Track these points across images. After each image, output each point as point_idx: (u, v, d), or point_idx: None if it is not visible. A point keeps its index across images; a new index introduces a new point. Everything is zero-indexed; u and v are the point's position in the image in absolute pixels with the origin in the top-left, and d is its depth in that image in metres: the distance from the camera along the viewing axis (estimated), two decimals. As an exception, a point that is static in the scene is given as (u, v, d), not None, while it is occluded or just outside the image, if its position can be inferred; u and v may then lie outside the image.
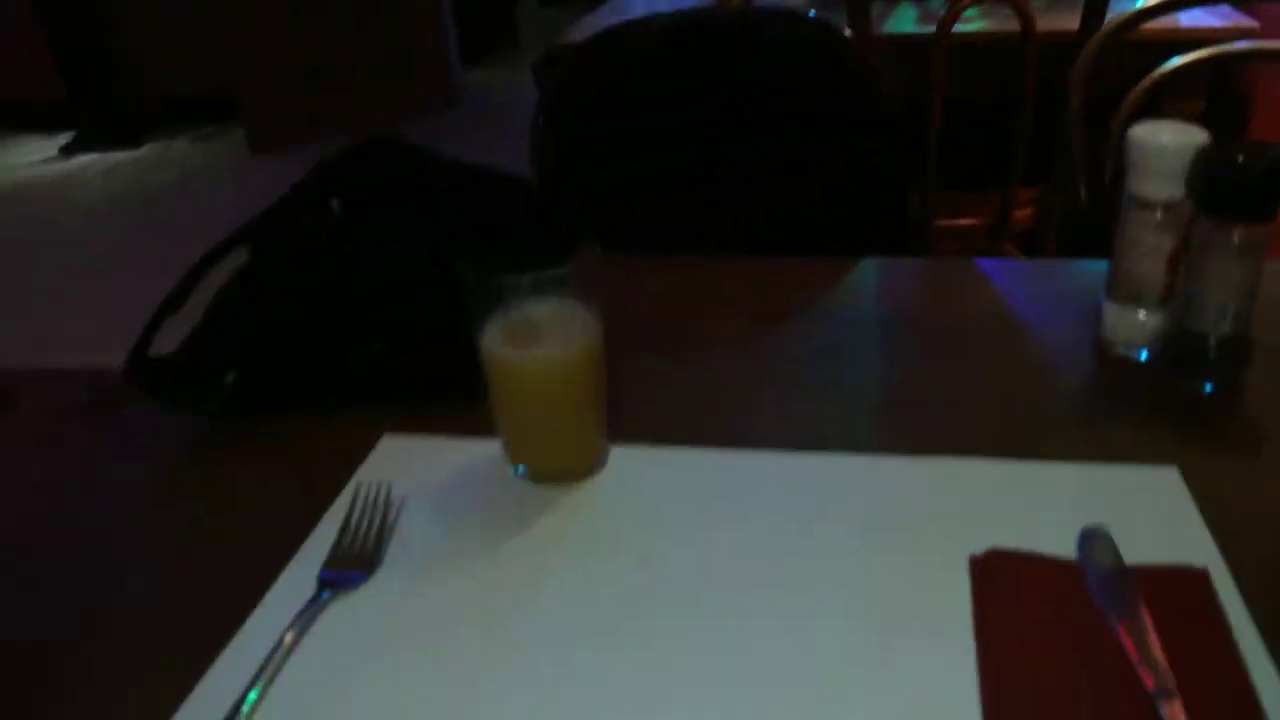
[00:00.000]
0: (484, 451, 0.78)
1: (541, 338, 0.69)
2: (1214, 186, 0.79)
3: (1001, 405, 0.82)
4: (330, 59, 3.82)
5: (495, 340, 0.69)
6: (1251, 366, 0.83)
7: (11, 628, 0.65)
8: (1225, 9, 2.31)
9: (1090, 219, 1.58)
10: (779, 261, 1.08)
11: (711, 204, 1.24)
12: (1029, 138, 2.25)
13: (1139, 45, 1.63)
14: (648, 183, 0.90)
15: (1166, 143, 0.81)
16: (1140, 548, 0.65)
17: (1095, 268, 1.00)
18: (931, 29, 2.11)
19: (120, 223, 3.21)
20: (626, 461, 0.76)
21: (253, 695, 0.57)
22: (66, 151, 3.99)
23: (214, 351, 0.82)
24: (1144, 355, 0.87)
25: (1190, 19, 2.26)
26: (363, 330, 0.84)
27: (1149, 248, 0.84)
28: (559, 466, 0.73)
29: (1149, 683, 0.55)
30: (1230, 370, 0.83)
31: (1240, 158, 0.76)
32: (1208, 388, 0.83)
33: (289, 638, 0.61)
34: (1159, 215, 0.83)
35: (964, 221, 2.25)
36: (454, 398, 0.83)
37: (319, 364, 0.84)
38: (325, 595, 0.64)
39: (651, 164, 1.18)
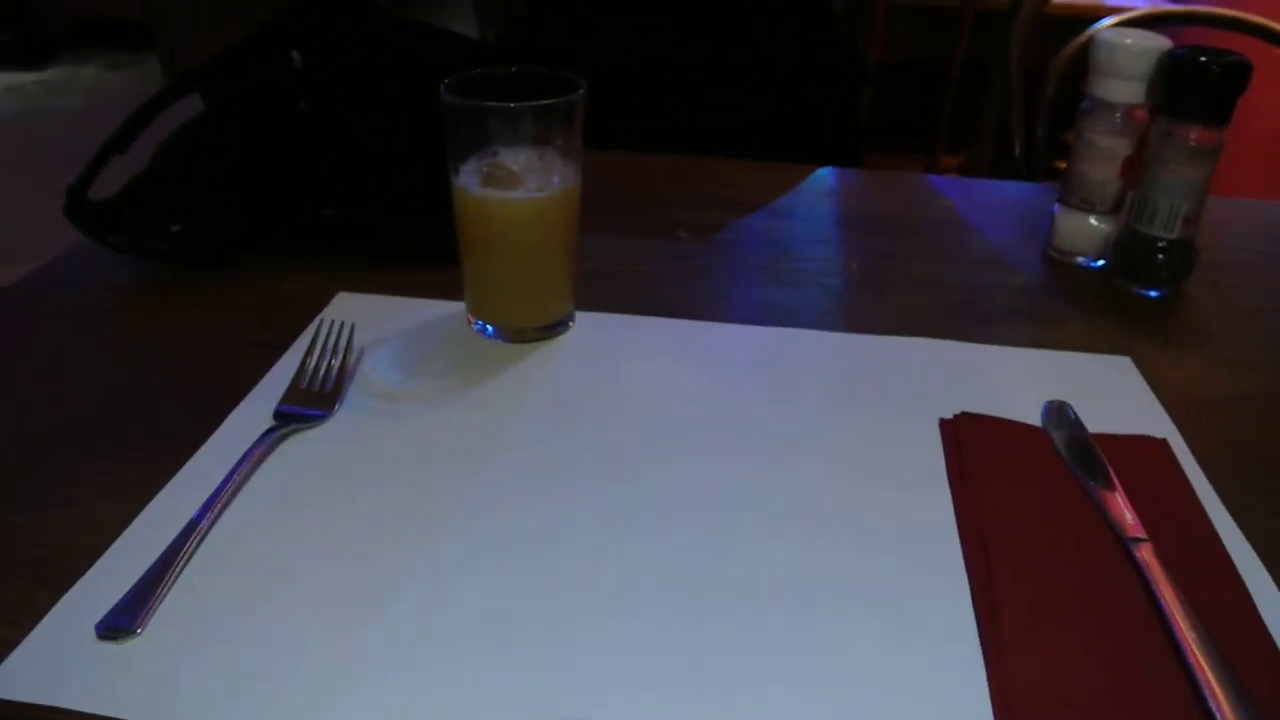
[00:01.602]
0: (443, 310, 0.76)
1: (520, 181, 0.67)
2: (1173, 86, 0.80)
3: (955, 298, 0.83)
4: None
5: (471, 181, 0.67)
6: (1194, 275, 0.85)
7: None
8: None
9: (1025, 175, 1.60)
10: (743, 163, 1.08)
11: (682, 106, 1.23)
12: (953, 105, 2.29)
13: (1063, 20, 1.68)
14: (626, 79, 0.88)
15: (1131, 44, 0.82)
16: (1100, 423, 0.66)
17: (1045, 190, 1.02)
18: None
19: (18, 144, 3.07)
20: (593, 326, 0.75)
21: (201, 521, 0.54)
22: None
23: (159, 200, 0.78)
24: (1096, 264, 0.89)
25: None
26: (316, 191, 0.81)
27: (1105, 151, 0.86)
28: (525, 324, 0.71)
29: (1124, 530, 0.56)
30: (1177, 276, 0.85)
31: (1201, 59, 0.78)
32: (1155, 294, 0.85)
33: (242, 469, 0.58)
34: (1117, 118, 0.84)
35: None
36: (412, 260, 0.81)
37: (269, 222, 0.81)
38: (281, 429, 0.61)
39: (631, 59, 1.16)
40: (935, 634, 0.49)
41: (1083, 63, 1.55)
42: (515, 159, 0.67)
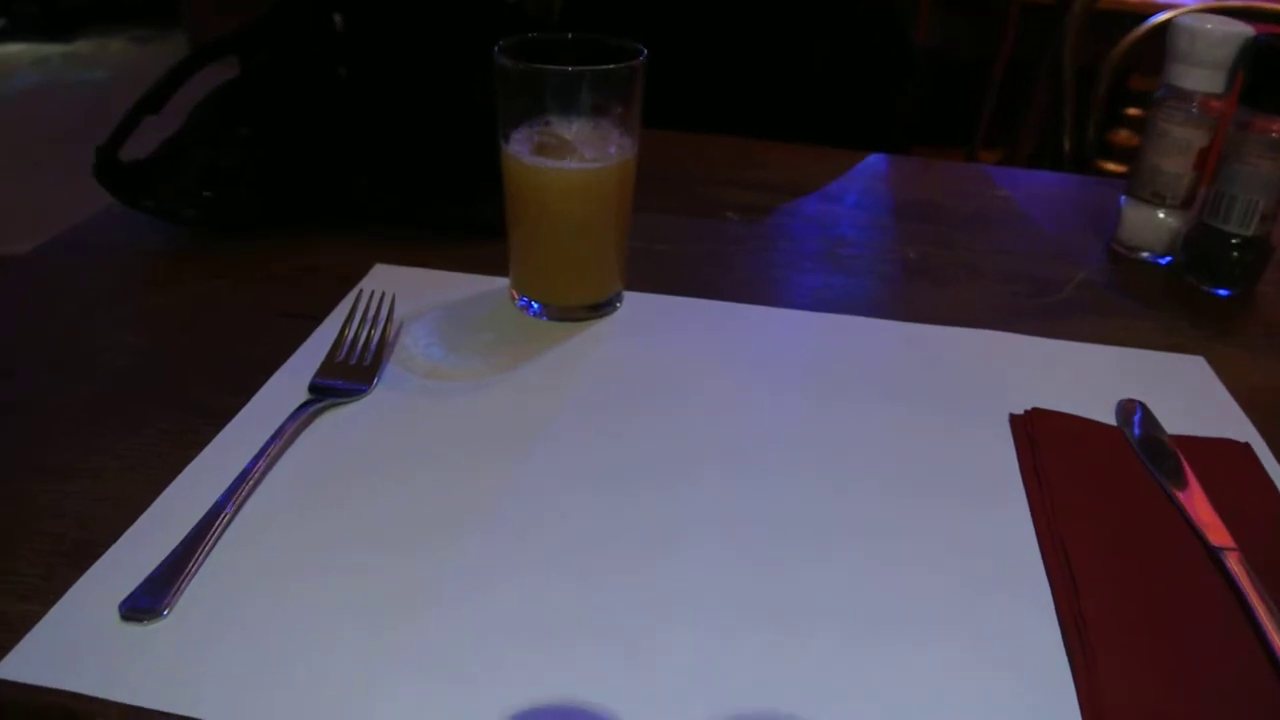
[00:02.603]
0: (486, 286, 0.73)
1: (574, 151, 0.63)
2: (1256, 75, 0.77)
3: (1016, 291, 0.79)
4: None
5: (523, 149, 0.63)
6: (1267, 274, 0.81)
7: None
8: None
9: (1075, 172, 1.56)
10: (792, 146, 1.04)
11: (727, 86, 1.20)
12: (995, 100, 2.25)
13: (1112, 15, 1.63)
14: (670, 56, 0.84)
15: (1212, 29, 0.78)
16: (1176, 425, 0.62)
17: (1103, 183, 0.99)
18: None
19: (47, 115, 3.05)
20: (642, 306, 0.71)
21: (230, 499, 0.51)
22: (-5, 37, 3.78)
23: (192, 164, 0.75)
24: (1164, 260, 0.85)
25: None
26: (353, 160, 0.78)
27: (1179, 142, 0.82)
28: (572, 302, 0.68)
29: (1210, 538, 0.52)
30: (1251, 275, 0.81)
31: (1291, 48, 0.74)
32: (1225, 292, 0.81)
33: (275, 445, 0.54)
34: (1194, 108, 0.81)
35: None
36: (453, 234, 0.78)
37: (304, 191, 0.78)
38: (317, 404, 0.58)
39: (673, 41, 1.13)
40: (1017, 642, 0.46)
41: (1134, 59, 1.51)
42: (569, 128, 0.63)
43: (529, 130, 0.64)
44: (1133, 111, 2.20)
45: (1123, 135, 2.21)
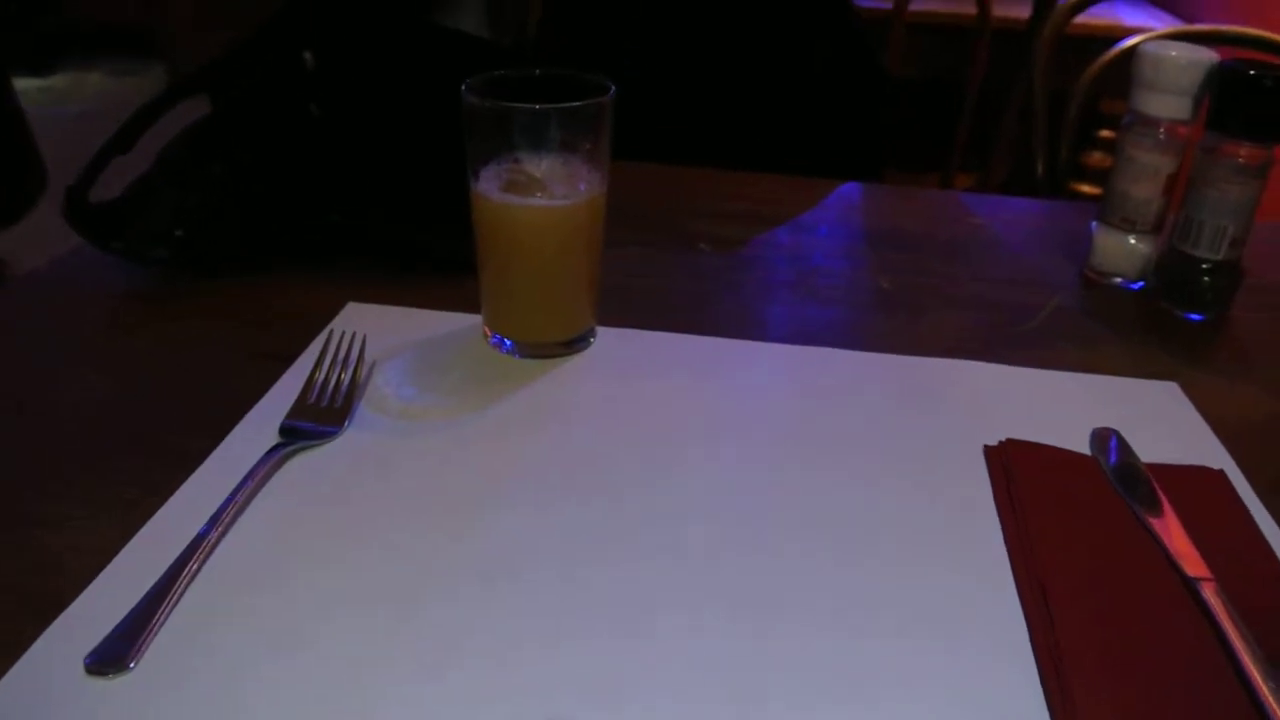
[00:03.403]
0: (458, 323, 0.72)
1: (543, 187, 0.63)
2: (1222, 101, 0.77)
3: (990, 319, 0.79)
4: (258, -5, 3.67)
5: (491, 187, 0.63)
6: (1240, 298, 0.82)
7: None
8: (1167, 16, 2.36)
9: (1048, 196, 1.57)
10: (764, 176, 1.04)
11: (699, 116, 1.20)
12: (969, 125, 2.27)
13: (1082, 40, 1.65)
14: (640, 88, 0.85)
15: (1177, 56, 0.79)
16: (1151, 452, 0.62)
17: (1076, 208, 0.99)
18: (885, 5, 2.10)
19: (22, 150, 3.04)
20: (614, 341, 0.71)
21: (200, 545, 0.50)
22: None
23: (162, 204, 0.74)
24: (1136, 285, 0.85)
25: (1135, 19, 2.30)
26: (325, 197, 0.77)
27: (1147, 168, 0.82)
28: (545, 339, 0.68)
29: (1186, 568, 0.52)
30: (1223, 300, 0.82)
31: (1252, 72, 0.75)
32: (1197, 317, 0.81)
33: (245, 490, 0.54)
34: (1161, 134, 0.81)
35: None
36: (426, 271, 0.77)
37: (276, 229, 0.77)
38: (287, 447, 0.57)
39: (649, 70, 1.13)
40: (990, 671, 0.46)
41: (1104, 83, 1.53)
42: (538, 165, 0.63)
43: (498, 167, 0.64)
44: (1105, 134, 2.22)
45: (1095, 157, 2.23)
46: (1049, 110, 1.57)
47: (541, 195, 0.63)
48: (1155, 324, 0.81)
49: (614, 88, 0.62)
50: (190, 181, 0.76)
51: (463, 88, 0.61)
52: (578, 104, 0.61)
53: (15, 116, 2.44)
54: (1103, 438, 0.64)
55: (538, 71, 0.64)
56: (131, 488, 0.55)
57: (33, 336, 0.70)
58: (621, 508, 0.55)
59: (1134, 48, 0.88)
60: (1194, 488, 0.59)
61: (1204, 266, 0.80)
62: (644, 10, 1.20)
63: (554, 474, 0.57)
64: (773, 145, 1.20)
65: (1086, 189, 2.19)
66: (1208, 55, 0.79)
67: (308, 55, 0.77)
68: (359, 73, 0.78)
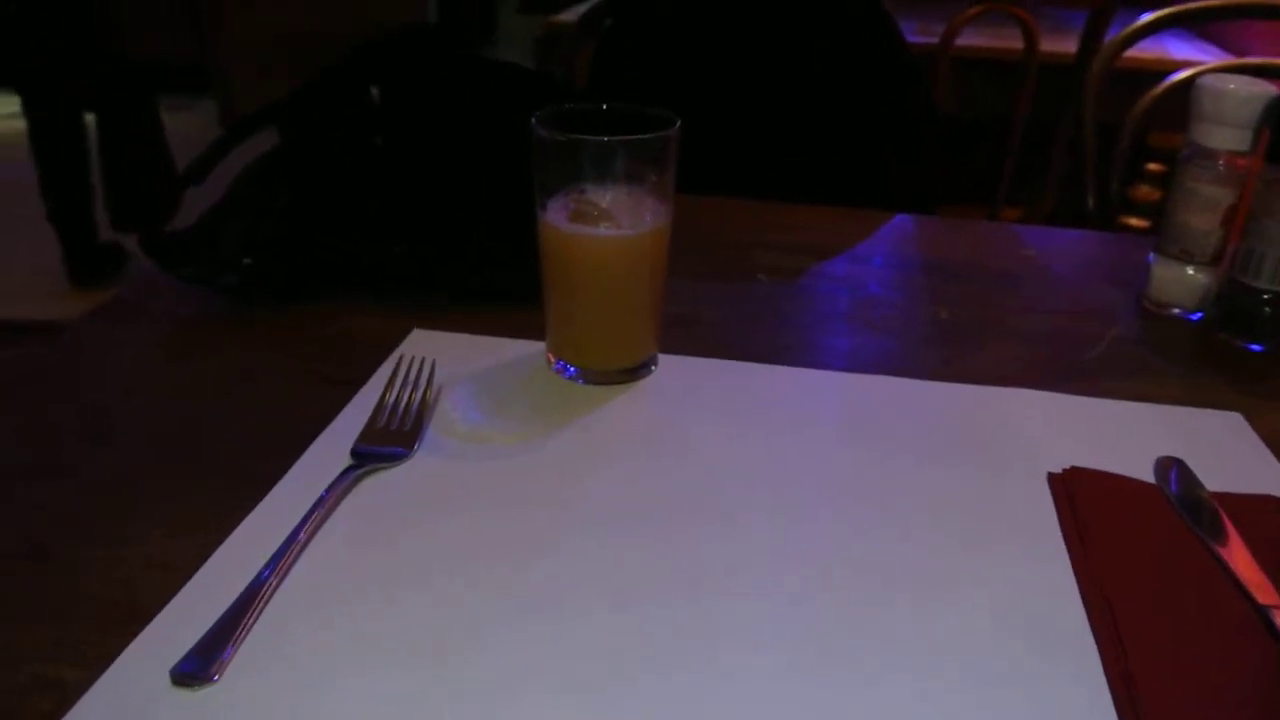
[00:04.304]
0: (523, 350, 0.73)
1: (610, 218, 0.64)
2: (1284, 134, 0.77)
3: (1048, 350, 0.79)
4: (309, 31, 3.75)
5: (559, 217, 0.64)
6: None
7: (23, 517, 0.57)
8: (1215, 49, 2.35)
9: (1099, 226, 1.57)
10: (819, 208, 1.05)
11: (752, 151, 1.21)
12: (1016, 160, 2.26)
13: (1130, 74, 1.65)
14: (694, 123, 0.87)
15: (1235, 89, 0.79)
16: (1216, 482, 0.62)
17: (1129, 240, 0.99)
18: (931, 40, 2.11)
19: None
20: (676, 369, 0.72)
21: (278, 563, 0.51)
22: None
23: (232, 233, 0.76)
24: (1195, 316, 0.85)
25: (1182, 52, 2.29)
26: (389, 228, 0.79)
27: (1206, 200, 0.82)
28: (608, 366, 0.69)
29: (1257, 596, 0.52)
30: (1283, 330, 0.81)
31: (1316, 105, 0.75)
32: (1258, 348, 0.81)
33: (320, 510, 0.55)
34: (1220, 166, 0.81)
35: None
36: (489, 301, 0.79)
37: (342, 258, 0.79)
38: (359, 469, 0.58)
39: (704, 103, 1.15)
40: (1065, 703, 0.46)
41: (1152, 116, 1.53)
42: (603, 196, 0.65)
43: (565, 198, 0.65)
44: (1153, 167, 2.21)
45: (1143, 190, 2.21)
46: (1097, 144, 1.57)
47: (608, 225, 0.64)
48: (1215, 355, 0.80)
49: (679, 121, 0.63)
50: (259, 211, 0.78)
51: (532, 120, 0.63)
52: (645, 136, 0.62)
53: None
54: (1166, 466, 0.64)
55: (604, 105, 0.65)
56: (208, 507, 0.56)
57: (109, 362, 0.72)
58: (686, 538, 0.55)
59: (1192, 79, 0.88)
60: (1260, 516, 0.59)
61: (1265, 297, 0.80)
62: (698, 46, 1.22)
63: (618, 502, 0.58)
64: (824, 179, 1.21)
65: (1135, 222, 2.18)
66: (1266, 88, 0.79)
67: (373, 89, 0.78)
68: (422, 106, 0.80)
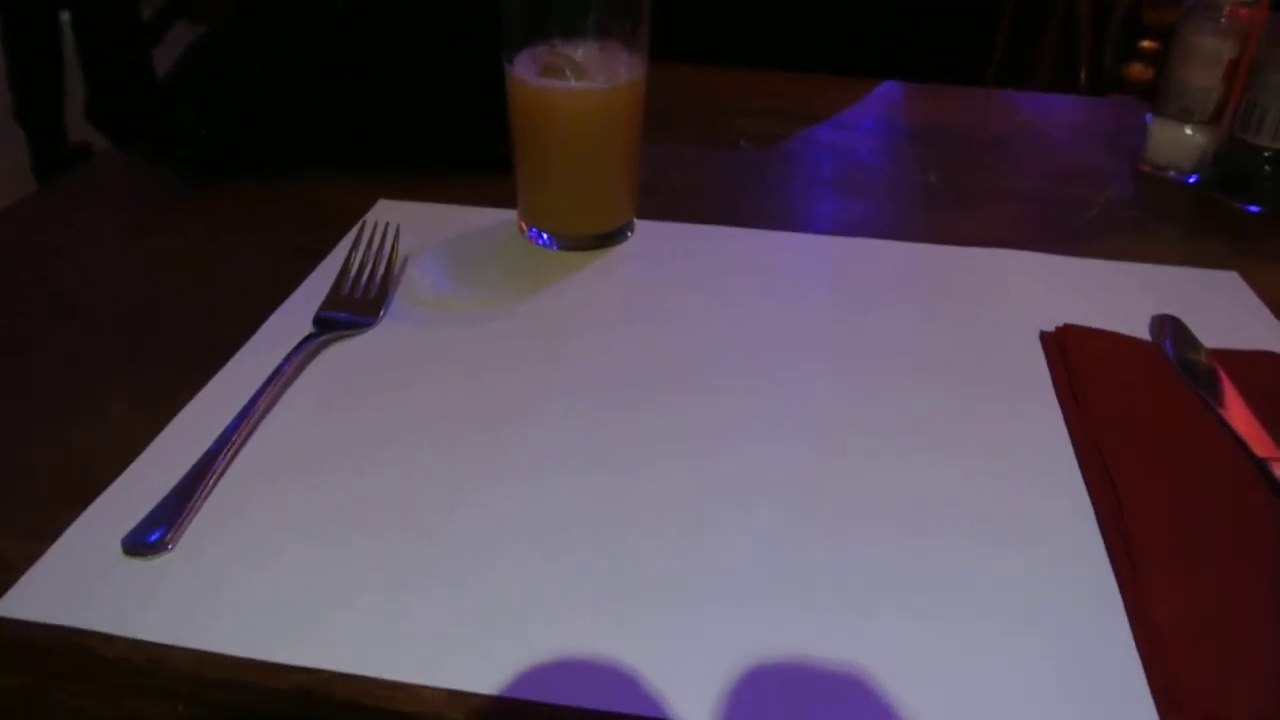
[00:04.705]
0: (494, 218, 0.70)
1: (583, 71, 0.61)
2: (1292, -20, 0.73)
3: (1041, 212, 0.77)
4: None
5: (528, 71, 0.61)
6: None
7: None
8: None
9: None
10: (802, 77, 1.01)
11: (736, 15, 1.16)
12: (1007, 37, 2.20)
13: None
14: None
15: (1243, -67, 0.75)
16: (1213, 339, 0.60)
17: (1126, 105, 0.96)
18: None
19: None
20: (655, 234, 0.69)
21: (236, 430, 0.49)
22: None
23: (186, 104, 0.72)
24: (1192, 179, 0.82)
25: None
26: (352, 95, 0.75)
27: (1208, 54, 0.79)
28: (583, 231, 0.66)
29: (1255, 448, 0.50)
30: (1283, 190, 0.78)
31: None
32: (1256, 209, 0.78)
33: (281, 377, 0.52)
34: (1223, 17, 0.77)
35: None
36: (458, 170, 0.75)
37: (304, 127, 0.75)
38: (322, 337, 0.56)
39: None
40: (1060, 557, 0.44)
41: (1131, 16, 1.47)
42: (575, 49, 0.61)
43: (534, 52, 0.61)
44: (1148, 44, 2.15)
45: (1137, 69, 2.16)
46: (1092, 17, 1.52)
47: (580, 79, 0.61)
48: (1212, 217, 0.78)
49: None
50: (213, 80, 0.74)
51: None
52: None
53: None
54: (1162, 325, 0.61)
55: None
56: (167, 380, 0.53)
57: (68, 237, 0.69)
58: (668, 401, 0.53)
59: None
60: (1258, 371, 0.57)
61: (1265, 154, 0.77)
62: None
63: (596, 366, 0.55)
64: (812, 48, 1.16)
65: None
66: (1274, -70, 0.75)
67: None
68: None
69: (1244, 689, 0.37)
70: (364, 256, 0.62)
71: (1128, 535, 0.44)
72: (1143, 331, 0.61)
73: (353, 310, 0.58)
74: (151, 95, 0.72)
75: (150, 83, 0.72)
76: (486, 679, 0.37)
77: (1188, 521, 0.46)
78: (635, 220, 0.69)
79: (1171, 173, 0.83)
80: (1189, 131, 0.81)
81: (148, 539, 0.43)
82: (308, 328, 0.57)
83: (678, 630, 0.39)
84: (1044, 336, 0.60)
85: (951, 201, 0.77)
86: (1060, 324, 0.61)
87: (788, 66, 1.02)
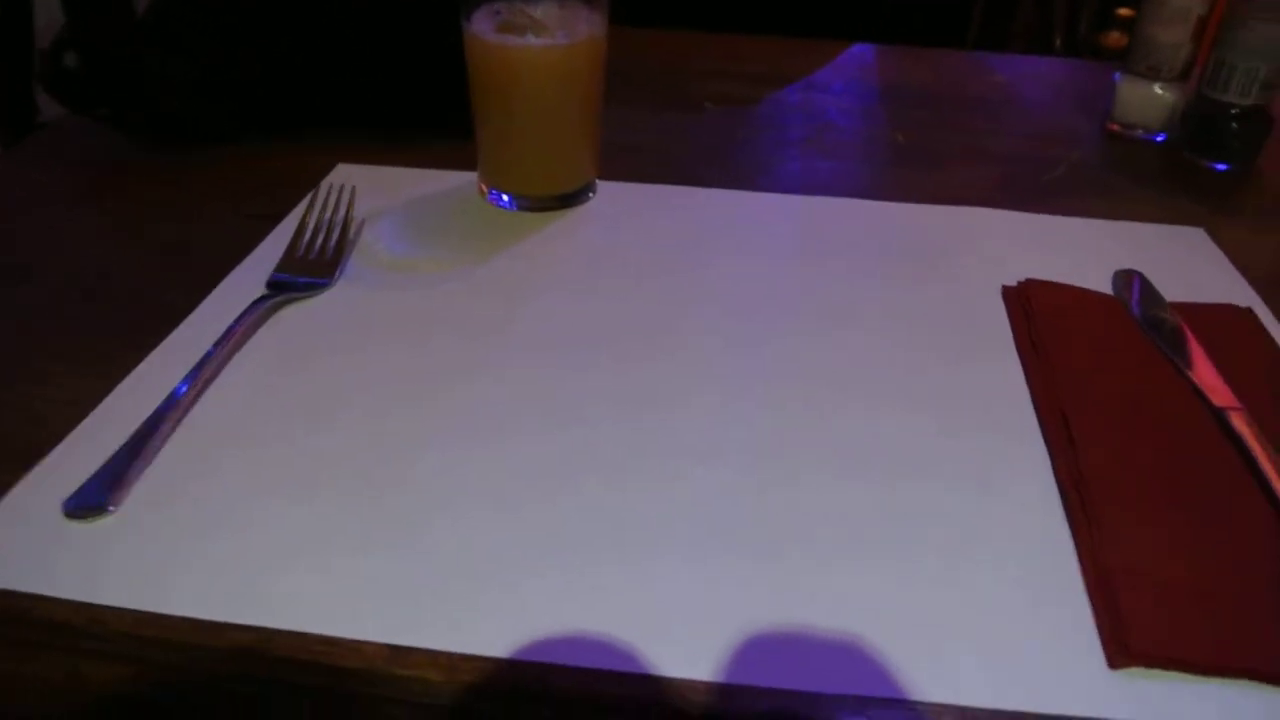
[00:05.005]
0: (454, 181, 0.69)
1: (541, 28, 0.60)
2: (1262, -67, 0.73)
3: (1009, 171, 0.76)
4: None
5: (485, 27, 0.60)
6: (1268, 148, 0.78)
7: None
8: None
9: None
10: (771, 40, 1.00)
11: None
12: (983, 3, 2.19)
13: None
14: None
15: (1210, -113, 0.74)
16: (1177, 294, 0.59)
17: (1099, 67, 0.95)
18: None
19: None
20: (617, 195, 0.68)
21: (183, 392, 0.48)
22: None
23: (145, 70, 0.71)
24: (1160, 138, 0.82)
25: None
26: (311, 59, 0.74)
27: (1178, 10, 0.78)
28: (544, 191, 0.65)
29: (1214, 399, 0.50)
30: (1251, 148, 0.78)
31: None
32: (1223, 166, 0.78)
33: (231, 339, 0.51)
34: (1192, -27, 0.77)
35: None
36: (417, 134, 0.74)
37: (262, 92, 0.74)
38: (275, 298, 0.55)
39: None
40: (1016, 505, 0.44)
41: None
42: (533, 7, 0.60)
43: (491, 9, 0.60)
44: (1124, 12, 2.14)
45: (1113, 37, 2.16)
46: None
47: (539, 36, 0.60)
48: (1180, 175, 0.77)
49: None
50: (171, 45, 0.72)
51: None
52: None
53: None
54: (1126, 279, 0.61)
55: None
56: (117, 344, 0.53)
57: (18, 201, 0.67)
58: (625, 362, 0.52)
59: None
60: (1221, 325, 0.57)
61: (1233, 112, 0.76)
62: None
63: (558, 326, 0.55)
64: (782, 11, 1.15)
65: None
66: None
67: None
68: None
69: (1191, 634, 0.37)
70: (319, 218, 0.61)
71: (1082, 482, 0.44)
72: (1106, 286, 0.61)
73: (307, 272, 0.57)
74: (129, 33, 0.70)
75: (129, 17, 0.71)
76: (432, 635, 0.37)
77: (1143, 469, 0.45)
78: (598, 181, 0.68)
79: (1140, 132, 0.83)
80: (1158, 90, 0.81)
81: (89, 502, 0.42)
82: (261, 289, 0.56)
83: (637, 584, 0.39)
84: (1006, 291, 0.59)
85: (921, 161, 0.77)
86: (1024, 279, 0.60)
87: (753, 28, 1.01)
